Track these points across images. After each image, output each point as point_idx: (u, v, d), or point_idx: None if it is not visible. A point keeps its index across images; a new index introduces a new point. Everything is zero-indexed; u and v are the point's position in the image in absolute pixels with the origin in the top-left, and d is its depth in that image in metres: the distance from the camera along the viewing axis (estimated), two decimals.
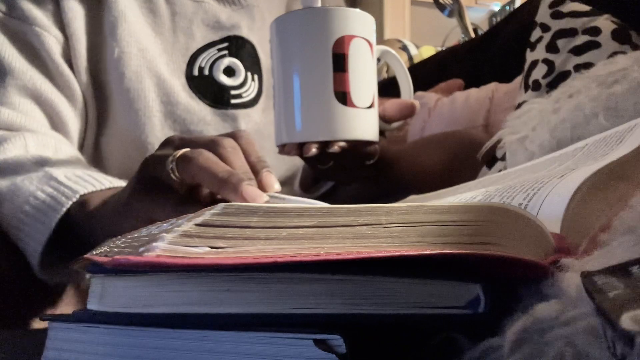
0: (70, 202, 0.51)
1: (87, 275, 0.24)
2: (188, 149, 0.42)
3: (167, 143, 0.46)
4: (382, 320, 0.21)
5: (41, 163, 0.55)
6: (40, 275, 0.54)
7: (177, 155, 0.42)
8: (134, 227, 0.44)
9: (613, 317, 0.14)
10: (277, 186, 0.42)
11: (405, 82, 0.61)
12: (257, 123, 0.74)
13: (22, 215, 0.52)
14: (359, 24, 0.54)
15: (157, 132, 0.66)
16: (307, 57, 0.54)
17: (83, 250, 0.31)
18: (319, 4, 0.55)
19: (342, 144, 0.54)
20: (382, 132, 0.59)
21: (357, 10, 0.55)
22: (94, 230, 0.48)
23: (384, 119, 0.60)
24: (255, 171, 0.43)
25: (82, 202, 0.51)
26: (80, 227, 0.51)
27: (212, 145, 0.43)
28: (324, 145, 0.54)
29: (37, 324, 0.60)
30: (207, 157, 0.41)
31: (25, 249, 0.53)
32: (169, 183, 0.43)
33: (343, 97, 0.53)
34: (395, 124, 0.61)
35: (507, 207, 0.23)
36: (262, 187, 0.42)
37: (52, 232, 0.51)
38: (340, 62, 0.53)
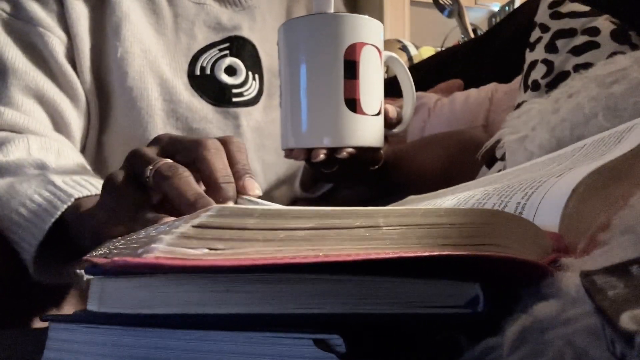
0: (65, 206, 0.51)
1: (85, 277, 0.24)
2: (166, 162, 0.41)
3: (156, 141, 0.45)
4: (382, 320, 0.21)
5: (41, 166, 0.55)
6: (35, 276, 0.54)
7: (156, 167, 0.41)
8: (104, 225, 0.43)
9: (613, 317, 0.14)
10: (257, 191, 0.42)
11: (409, 89, 0.61)
12: (258, 121, 0.74)
13: (18, 217, 0.52)
14: (369, 31, 0.54)
15: (160, 130, 0.67)
16: (317, 63, 0.54)
17: (76, 252, 0.31)
18: (332, 10, 0.55)
19: (350, 150, 0.54)
20: (384, 137, 0.59)
21: (367, 17, 0.55)
22: (83, 233, 0.48)
23: (385, 123, 0.60)
24: (238, 177, 0.42)
25: (75, 206, 0.51)
26: (72, 230, 0.51)
27: (196, 147, 0.42)
28: (332, 151, 0.54)
29: (37, 324, 0.60)
30: (180, 177, 0.40)
31: (20, 251, 0.54)
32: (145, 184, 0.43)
33: (353, 104, 0.53)
34: (396, 129, 0.61)
35: (502, 211, 0.24)
36: (242, 190, 0.42)
37: (46, 235, 0.51)
38: (351, 69, 0.53)
